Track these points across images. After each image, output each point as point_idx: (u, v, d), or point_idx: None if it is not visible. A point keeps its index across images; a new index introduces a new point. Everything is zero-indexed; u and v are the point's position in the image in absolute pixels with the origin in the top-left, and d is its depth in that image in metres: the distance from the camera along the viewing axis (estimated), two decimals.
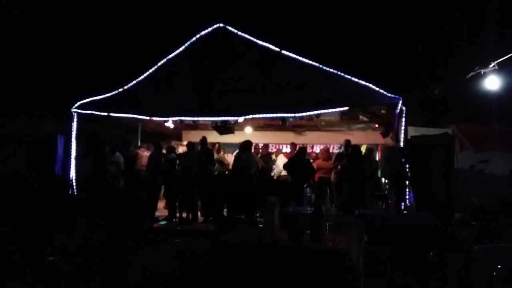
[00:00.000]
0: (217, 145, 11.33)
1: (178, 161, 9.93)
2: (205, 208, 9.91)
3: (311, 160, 10.25)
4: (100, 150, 9.31)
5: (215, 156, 10.64)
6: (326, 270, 3.71)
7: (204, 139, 10.14)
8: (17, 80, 10.27)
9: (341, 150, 10.60)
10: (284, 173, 10.67)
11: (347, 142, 9.77)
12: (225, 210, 9.71)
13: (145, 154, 10.30)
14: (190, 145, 10.23)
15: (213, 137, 11.04)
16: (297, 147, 10.85)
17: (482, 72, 7.34)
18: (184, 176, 9.58)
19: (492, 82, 7.23)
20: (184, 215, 9.76)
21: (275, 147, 13.48)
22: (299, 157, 9.56)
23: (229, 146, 11.92)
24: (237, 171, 9.56)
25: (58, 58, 11.54)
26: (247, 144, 9.82)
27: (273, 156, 12.22)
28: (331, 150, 12.53)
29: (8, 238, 6.73)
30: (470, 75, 7.63)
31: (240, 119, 9.52)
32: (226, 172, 10.57)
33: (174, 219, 9.75)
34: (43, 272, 5.79)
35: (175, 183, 9.66)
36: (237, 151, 10.21)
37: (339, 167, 9.32)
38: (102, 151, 9.31)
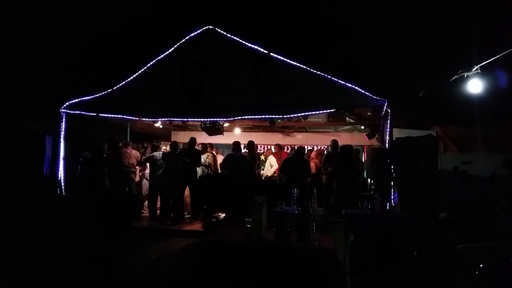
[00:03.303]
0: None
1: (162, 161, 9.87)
2: (195, 208, 9.89)
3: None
4: (98, 151, 9.28)
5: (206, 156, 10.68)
6: (313, 269, 3.79)
7: (192, 140, 10.16)
8: (6, 80, 10.17)
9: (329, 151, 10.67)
10: (269, 173, 10.79)
11: (334, 142, 9.85)
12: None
13: (129, 152, 10.22)
14: (174, 144, 10.24)
15: (202, 138, 11.09)
16: (285, 148, 10.96)
17: (466, 75, 7.45)
18: (168, 175, 9.57)
19: (474, 86, 7.34)
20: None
21: (263, 148, 13.58)
22: (296, 157, 9.44)
23: (218, 147, 11.97)
24: (242, 171, 9.44)
25: (47, 58, 11.45)
26: (251, 144, 10.16)
27: (262, 157, 12.32)
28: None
29: None
30: (453, 78, 7.73)
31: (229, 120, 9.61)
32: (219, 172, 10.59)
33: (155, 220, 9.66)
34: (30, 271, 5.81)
35: (161, 183, 9.67)
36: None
37: (329, 168, 9.30)
38: (100, 151, 9.30)
